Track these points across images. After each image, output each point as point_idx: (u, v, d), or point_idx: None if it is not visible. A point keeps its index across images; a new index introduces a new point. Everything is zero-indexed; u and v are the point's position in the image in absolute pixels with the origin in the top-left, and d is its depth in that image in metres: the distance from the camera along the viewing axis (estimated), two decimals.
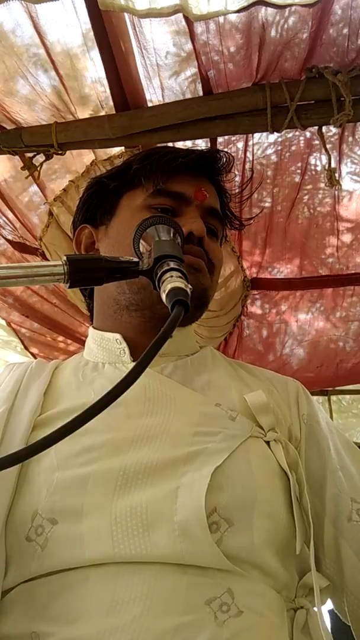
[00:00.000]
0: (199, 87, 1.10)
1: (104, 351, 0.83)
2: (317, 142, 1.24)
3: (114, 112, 1.16)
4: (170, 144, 1.25)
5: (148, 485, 0.62)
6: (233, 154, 1.27)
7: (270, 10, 0.94)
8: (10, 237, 1.55)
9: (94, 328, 0.89)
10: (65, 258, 0.56)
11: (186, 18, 0.95)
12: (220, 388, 0.79)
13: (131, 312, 0.82)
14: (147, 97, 1.14)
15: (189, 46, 1.02)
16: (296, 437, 0.78)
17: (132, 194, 0.85)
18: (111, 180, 0.88)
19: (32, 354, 2.04)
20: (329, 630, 0.62)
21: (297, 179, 1.34)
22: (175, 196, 0.82)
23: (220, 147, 1.26)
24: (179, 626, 0.54)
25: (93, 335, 0.87)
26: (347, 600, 0.70)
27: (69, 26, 1.00)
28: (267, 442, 0.71)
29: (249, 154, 1.28)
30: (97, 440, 0.67)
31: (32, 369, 0.83)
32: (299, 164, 1.31)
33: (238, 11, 0.93)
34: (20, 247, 1.57)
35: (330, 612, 0.76)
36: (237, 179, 1.31)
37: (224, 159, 0.88)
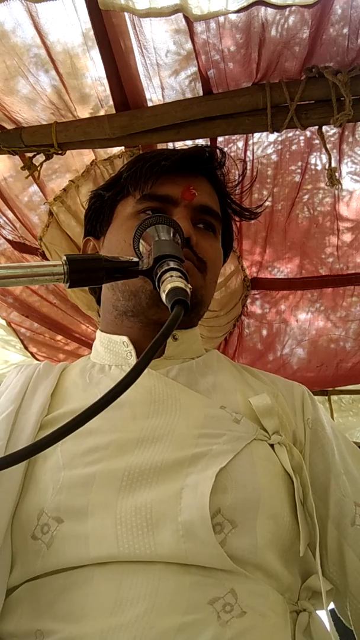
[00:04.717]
0: (199, 86, 1.10)
1: (111, 354, 0.84)
2: (317, 141, 1.24)
3: (113, 111, 1.16)
4: (170, 144, 1.25)
5: (153, 485, 0.63)
6: (233, 154, 1.27)
7: (270, 10, 0.94)
8: (10, 237, 1.55)
9: (102, 331, 0.89)
10: (65, 258, 0.56)
11: (186, 17, 0.95)
12: (225, 391, 0.79)
13: (129, 317, 0.83)
14: (147, 96, 1.14)
15: (189, 45, 1.02)
16: (300, 441, 0.79)
17: (124, 203, 0.86)
18: (106, 191, 0.89)
19: (31, 353, 2.04)
20: (337, 635, 0.63)
21: (298, 178, 1.34)
22: (161, 199, 0.82)
23: (220, 147, 1.26)
24: (182, 625, 0.54)
25: (101, 338, 0.88)
26: (349, 603, 0.70)
27: (69, 25, 1.00)
28: (272, 445, 0.72)
29: (249, 153, 1.28)
30: (103, 441, 0.67)
31: (40, 370, 0.84)
32: (299, 164, 1.31)
33: (238, 11, 0.93)
34: (20, 247, 1.57)
35: (331, 612, 0.76)
36: (238, 178, 1.31)
37: (210, 155, 0.88)
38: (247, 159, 1.28)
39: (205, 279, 0.84)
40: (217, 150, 0.90)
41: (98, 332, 0.90)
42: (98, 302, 0.95)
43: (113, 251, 0.83)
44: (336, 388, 2.39)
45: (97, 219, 0.91)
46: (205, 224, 0.85)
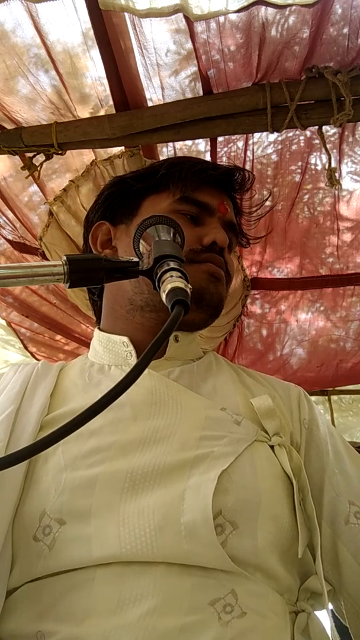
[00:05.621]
0: (199, 86, 1.10)
1: (110, 353, 0.84)
2: (317, 141, 1.24)
3: (113, 111, 1.16)
4: (170, 144, 1.25)
5: (155, 487, 0.63)
6: (233, 154, 1.27)
7: (270, 9, 0.94)
8: (10, 237, 1.55)
9: (100, 330, 0.89)
10: (65, 258, 0.56)
11: (186, 17, 0.95)
12: (225, 392, 0.80)
13: (145, 313, 0.83)
14: (147, 96, 1.14)
15: (189, 45, 1.02)
16: (297, 442, 0.79)
17: (156, 198, 0.87)
18: (136, 181, 0.90)
19: (31, 353, 2.04)
20: (337, 635, 0.63)
21: (298, 178, 1.34)
22: (201, 206, 0.85)
23: (220, 146, 1.26)
24: (184, 626, 0.54)
25: (99, 337, 0.88)
26: (344, 601, 0.70)
27: (69, 25, 1.00)
28: (272, 447, 0.72)
29: (249, 153, 1.28)
30: (105, 442, 0.67)
31: (38, 370, 0.83)
32: (299, 164, 1.31)
33: (238, 11, 0.92)
34: (20, 247, 1.57)
35: (331, 612, 0.76)
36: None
37: (247, 178, 0.92)
38: (247, 159, 1.28)
39: (227, 291, 0.88)
40: (248, 176, 0.94)
41: (96, 331, 0.90)
42: (99, 297, 0.95)
43: None
44: (336, 388, 2.39)
45: (119, 206, 0.92)
46: (230, 240, 0.89)
